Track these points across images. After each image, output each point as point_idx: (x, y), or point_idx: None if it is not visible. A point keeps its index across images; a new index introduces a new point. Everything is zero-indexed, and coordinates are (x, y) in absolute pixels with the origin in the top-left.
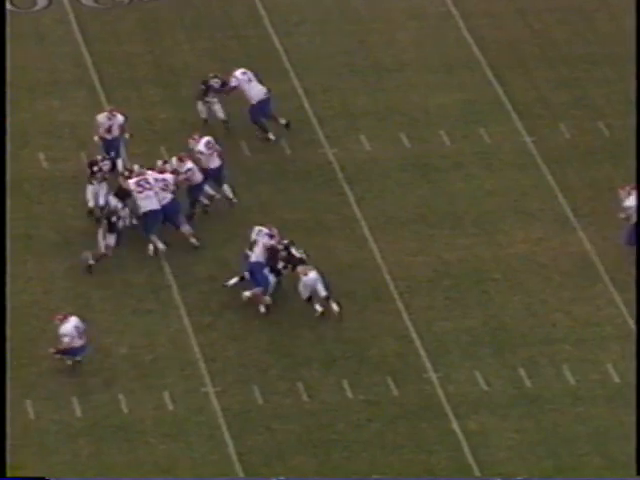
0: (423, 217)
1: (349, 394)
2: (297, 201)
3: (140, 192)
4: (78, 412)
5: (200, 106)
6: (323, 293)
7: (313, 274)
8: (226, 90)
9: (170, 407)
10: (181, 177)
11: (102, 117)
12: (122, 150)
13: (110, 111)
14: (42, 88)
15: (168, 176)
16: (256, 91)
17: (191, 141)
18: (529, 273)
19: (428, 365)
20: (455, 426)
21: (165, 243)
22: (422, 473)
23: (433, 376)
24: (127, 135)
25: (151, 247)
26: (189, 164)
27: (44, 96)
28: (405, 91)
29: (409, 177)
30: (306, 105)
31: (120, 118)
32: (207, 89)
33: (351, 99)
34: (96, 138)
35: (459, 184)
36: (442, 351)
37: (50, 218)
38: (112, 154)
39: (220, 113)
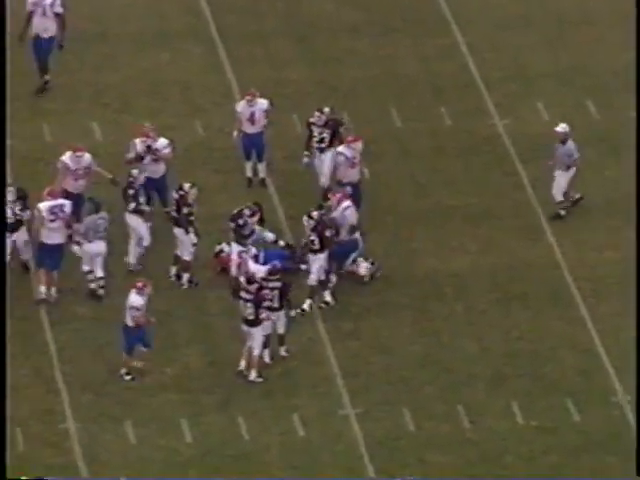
0: (613, 204)
1: (520, 419)
2: (459, 182)
3: None
4: (188, 437)
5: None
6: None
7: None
8: None
9: (301, 433)
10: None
11: (242, 105)
12: (262, 165)
13: (249, 95)
14: (148, 40)
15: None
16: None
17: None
18: None
19: (617, 386)
20: None
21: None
22: None
23: (623, 399)
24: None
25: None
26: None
27: (150, 50)
28: (593, 48)
29: (596, 154)
30: (471, 65)
31: (263, 103)
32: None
33: (526, 58)
34: (235, 133)
35: None
36: (635, 369)
37: (157, 202)
38: (253, 154)
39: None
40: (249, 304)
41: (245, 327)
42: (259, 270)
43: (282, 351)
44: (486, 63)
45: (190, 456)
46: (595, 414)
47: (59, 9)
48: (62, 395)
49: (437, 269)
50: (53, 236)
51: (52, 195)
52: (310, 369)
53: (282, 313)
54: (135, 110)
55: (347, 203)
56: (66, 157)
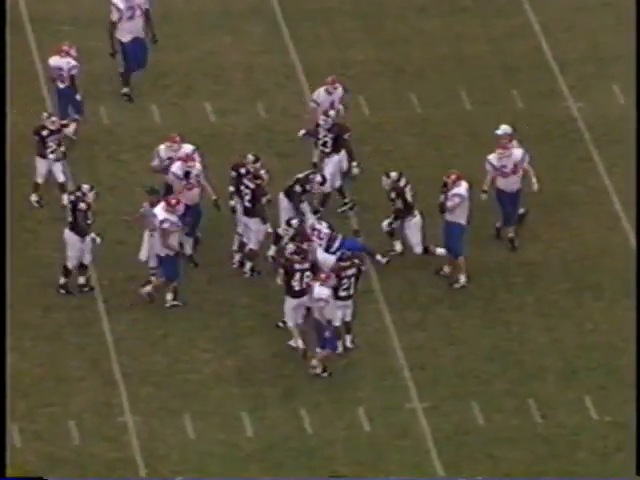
0: None
1: (593, 414)
2: (531, 168)
3: None
4: (249, 431)
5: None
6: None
7: None
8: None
9: (366, 427)
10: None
11: (321, 95)
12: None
13: (332, 83)
14: (210, 21)
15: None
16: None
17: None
18: None
19: None
20: None
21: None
22: None
23: None
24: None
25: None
26: None
27: (212, 31)
28: None
29: None
30: (544, 46)
31: (340, 91)
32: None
33: (602, 38)
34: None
35: None
36: None
37: (219, 186)
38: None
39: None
40: (307, 273)
41: (297, 300)
42: (328, 259)
43: (348, 341)
44: (560, 44)
45: (251, 451)
46: None
47: (147, 4)
48: (120, 387)
49: (508, 258)
50: (155, 244)
51: (166, 203)
52: (375, 361)
53: (352, 301)
54: (196, 93)
55: (459, 190)
56: (176, 167)
